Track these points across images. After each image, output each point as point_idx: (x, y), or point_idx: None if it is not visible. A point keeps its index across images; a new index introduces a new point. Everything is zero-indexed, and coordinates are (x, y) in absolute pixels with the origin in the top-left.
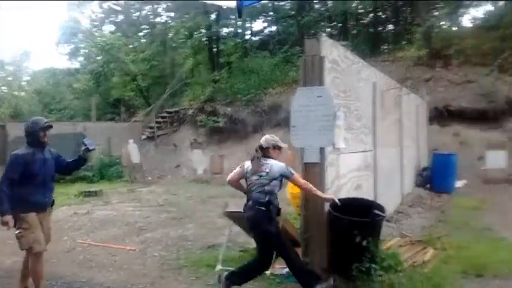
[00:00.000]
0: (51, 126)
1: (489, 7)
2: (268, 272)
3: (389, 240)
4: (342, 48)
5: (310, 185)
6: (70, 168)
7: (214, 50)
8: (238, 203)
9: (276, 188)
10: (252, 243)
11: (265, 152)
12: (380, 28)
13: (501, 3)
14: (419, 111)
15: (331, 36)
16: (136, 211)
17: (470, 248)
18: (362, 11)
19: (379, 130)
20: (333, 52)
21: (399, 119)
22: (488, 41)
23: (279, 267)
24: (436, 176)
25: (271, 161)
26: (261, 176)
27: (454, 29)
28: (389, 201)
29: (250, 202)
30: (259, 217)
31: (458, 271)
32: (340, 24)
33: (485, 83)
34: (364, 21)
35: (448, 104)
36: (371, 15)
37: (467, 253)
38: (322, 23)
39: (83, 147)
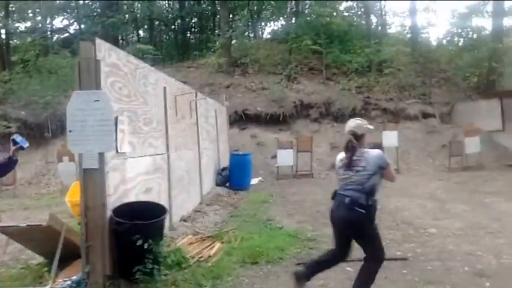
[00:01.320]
0: None
1: (282, 22)
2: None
3: (182, 238)
4: (123, 53)
5: None
6: (2, 173)
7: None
8: (13, 216)
9: (377, 184)
10: (36, 259)
11: (359, 140)
12: (188, 35)
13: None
14: (219, 115)
15: (138, 39)
16: None
17: (252, 238)
18: (170, 16)
19: (172, 133)
20: (111, 56)
21: (196, 123)
22: (279, 52)
23: (61, 280)
24: (233, 175)
25: (368, 152)
26: (357, 171)
27: (250, 40)
28: (187, 202)
29: (347, 201)
30: (360, 220)
31: (238, 261)
32: (146, 28)
33: (276, 90)
34: (173, 27)
35: (246, 108)
36: (179, 21)
37: (248, 243)
38: (133, 25)
39: (14, 146)
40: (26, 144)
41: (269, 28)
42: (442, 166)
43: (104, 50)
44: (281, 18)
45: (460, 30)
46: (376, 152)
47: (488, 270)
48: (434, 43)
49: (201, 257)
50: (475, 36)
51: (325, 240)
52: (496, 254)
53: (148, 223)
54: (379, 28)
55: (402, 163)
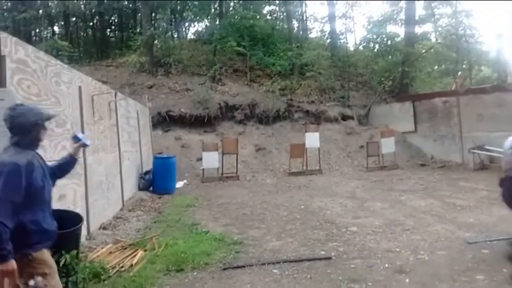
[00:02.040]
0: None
1: (206, 23)
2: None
3: (101, 248)
4: (32, 48)
5: None
6: (63, 174)
7: None
8: None
9: None
10: None
11: None
12: (108, 32)
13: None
14: (141, 116)
15: (53, 35)
16: None
17: (177, 244)
18: (88, 12)
19: (89, 136)
20: (19, 51)
21: (115, 124)
22: (203, 53)
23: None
24: (157, 179)
25: None
26: None
27: (174, 40)
28: (107, 208)
29: None
30: None
31: (162, 269)
32: (63, 24)
33: (200, 91)
34: (92, 24)
35: (170, 109)
36: (97, 18)
37: (173, 250)
38: (47, 21)
39: (76, 143)
40: (88, 142)
41: (193, 29)
42: (361, 166)
43: (10, 45)
44: (205, 19)
45: (375, 37)
46: None
47: (407, 266)
48: (352, 48)
49: (122, 266)
50: (389, 42)
51: (251, 242)
52: (413, 250)
53: (60, 233)
54: (301, 32)
55: (324, 163)
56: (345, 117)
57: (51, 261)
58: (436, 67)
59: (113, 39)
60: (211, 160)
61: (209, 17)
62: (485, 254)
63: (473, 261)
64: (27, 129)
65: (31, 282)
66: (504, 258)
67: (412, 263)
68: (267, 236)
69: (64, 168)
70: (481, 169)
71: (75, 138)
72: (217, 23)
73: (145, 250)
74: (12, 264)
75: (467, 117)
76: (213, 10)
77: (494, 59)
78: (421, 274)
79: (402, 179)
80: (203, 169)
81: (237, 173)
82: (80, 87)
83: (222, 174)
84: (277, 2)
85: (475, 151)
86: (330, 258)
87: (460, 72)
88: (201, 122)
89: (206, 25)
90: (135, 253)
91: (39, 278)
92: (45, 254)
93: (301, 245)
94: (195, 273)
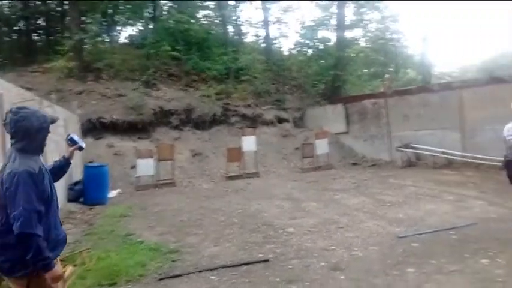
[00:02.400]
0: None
1: (140, 27)
2: None
3: None
4: None
5: None
6: (57, 178)
7: None
8: None
9: None
10: None
11: None
12: (34, 37)
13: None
14: (69, 124)
15: None
16: None
17: (109, 257)
18: (12, 16)
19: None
20: None
21: None
22: (136, 58)
23: None
24: (88, 189)
25: None
26: None
27: (105, 44)
28: None
29: None
30: None
31: (93, 284)
32: None
33: (134, 97)
34: (17, 29)
35: (101, 116)
36: (22, 22)
37: (105, 263)
38: None
39: (71, 146)
40: (84, 144)
41: (125, 33)
42: (296, 167)
43: None
44: (138, 23)
45: (308, 42)
46: None
47: (342, 263)
48: (287, 53)
49: None
50: (321, 47)
51: (189, 250)
52: (347, 247)
53: None
54: (236, 37)
55: (261, 166)
56: (280, 120)
57: (60, 271)
58: (365, 70)
59: (40, 43)
60: (146, 167)
61: (142, 21)
62: (414, 248)
63: (404, 255)
64: (32, 133)
65: None
66: (432, 250)
67: (346, 260)
68: (205, 242)
69: (58, 172)
70: (409, 166)
71: (71, 141)
72: (151, 27)
73: (74, 265)
74: (58, 269)
75: (394, 117)
76: (146, 14)
77: (419, 62)
78: (356, 270)
79: (336, 178)
80: (138, 177)
81: (173, 179)
82: (0, 95)
83: (158, 181)
84: (213, 6)
85: (403, 149)
86: (267, 260)
87: (387, 75)
88: (134, 129)
89: (139, 29)
90: (63, 269)
91: None
92: (57, 264)
93: (239, 249)
94: (129, 286)
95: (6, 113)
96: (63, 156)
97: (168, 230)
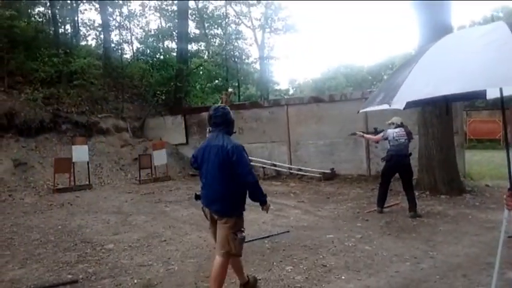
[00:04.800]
0: None
1: None
2: None
3: None
4: None
5: None
6: None
7: None
8: None
9: None
10: None
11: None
12: None
13: None
14: None
15: None
16: None
17: None
18: None
19: None
20: None
21: None
22: None
23: None
24: None
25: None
26: (405, 139)
27: None
28: None
29: (404, 152)
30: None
31: None
32: None
33: None
34: None
35: None
36: None
37: None
38: None
39: None
40: None
41: None
42: (134, 179)
43: None
44: None
45: (149, 51)
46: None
47: (156, 279)
48: (130, 60)
49: None
50: (162, 57)
51: None
52: (165, 261)
53: None
54: (73, 39)
55: (95, 178)
56: (119, 129)
57: None
58: (208, 84)
59: None
60: None
61: None
62: None
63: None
64: (232, 123)
65: (240, 235)
66: (246, 260)
67: (161, 275)
68: (9, 264)
69: None
70: None
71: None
72: None
73: None
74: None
75: None
76: None
77: (258, 79)
78: (168, 285)
79: (172, 189)
80: None
81: None
82: None
83: None
84: (48, 4)
85: None
86: (76, 281)
87: (230, 89)
88: None
89: None
90: None
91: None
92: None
93: (48, 270)
94: None
95: (215, 109)
96: None
97: None
